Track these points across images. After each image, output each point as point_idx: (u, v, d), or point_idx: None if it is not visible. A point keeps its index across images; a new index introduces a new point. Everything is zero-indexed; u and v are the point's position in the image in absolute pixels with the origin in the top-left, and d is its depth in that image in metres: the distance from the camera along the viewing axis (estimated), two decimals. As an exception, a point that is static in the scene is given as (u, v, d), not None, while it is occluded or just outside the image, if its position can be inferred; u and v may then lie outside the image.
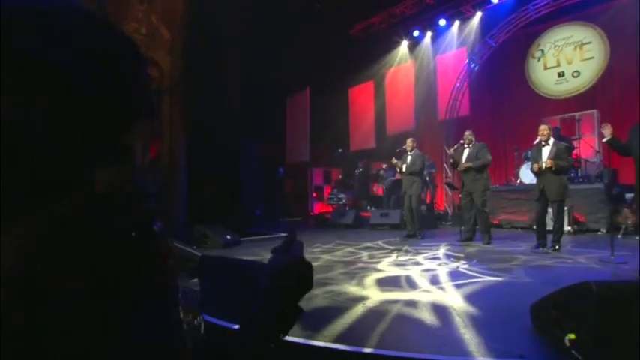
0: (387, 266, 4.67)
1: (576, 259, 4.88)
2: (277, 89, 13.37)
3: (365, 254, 5.62)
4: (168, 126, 9.76)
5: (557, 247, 5.40)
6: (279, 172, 10.70)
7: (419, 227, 7.27)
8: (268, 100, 12.97)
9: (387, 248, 6.14)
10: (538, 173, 5.51)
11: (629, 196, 7.39)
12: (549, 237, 5.49)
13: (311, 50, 12.53)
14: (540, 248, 5.47)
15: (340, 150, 8.07)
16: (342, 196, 10.43)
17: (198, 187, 9.80)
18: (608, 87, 9.26)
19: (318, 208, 13.75)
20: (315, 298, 3.27)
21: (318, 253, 5.66)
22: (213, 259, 3.32)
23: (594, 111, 9.13)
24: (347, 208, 10.94)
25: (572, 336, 1.99)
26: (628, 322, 1.92)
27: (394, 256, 5.35)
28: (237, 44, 10.95)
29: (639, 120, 5.18)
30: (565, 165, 5.39)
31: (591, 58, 9.38)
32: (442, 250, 5.79)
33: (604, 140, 4.84)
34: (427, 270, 4.45)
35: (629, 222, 7.12)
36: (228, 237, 6.39)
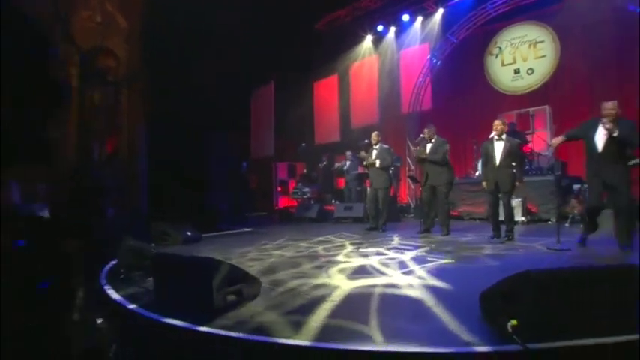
0: (349, 258, 4.72)
1: (527, 247, 5.12)
2: (242, 82, 13.16)
3: (322, 247, 5.65)
4: (126, 116, 9.41)
5: (510, 237, 5.62)
6: (243, 167, 10.57)
7: (384, 222, 7.36)
8: (233, 93, 12.76)
9: (349, 240, 6.21)
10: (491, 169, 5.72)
11: (576, 187, 7.82)
12: (503, 227, 5.72)
13: (276, 43, 12.40)
14: (495, 239, 5.69)
15: (303, 144, 8.06)
16: (306, 190, 10.44)
17: (160, 179, 9.54)
18: (559, 84, 9.71)
19: (283, 202, 13.71)
20: (282, 296, 3.24)
21: (272, 250, 5.64)
22: (166, 257, 3.24)
23: (546, 107, 9.56)
24: (312, 202, 10.98)
25: (514, 322, 2.08)
26: (563, 306, 2.03)
27: (353, 247, 5.42)
28: (201, 35, 10.68)
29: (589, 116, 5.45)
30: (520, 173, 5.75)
31: (544, 56, 9.80)
32: (402, 242, 5.91)
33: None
34: (389, 258, 4.54)
35: (575, 212, 7.53)
36: (189, 233, 6.25)
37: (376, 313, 2.69)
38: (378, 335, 2.31)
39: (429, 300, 2.94)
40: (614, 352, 1.98)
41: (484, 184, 5.86)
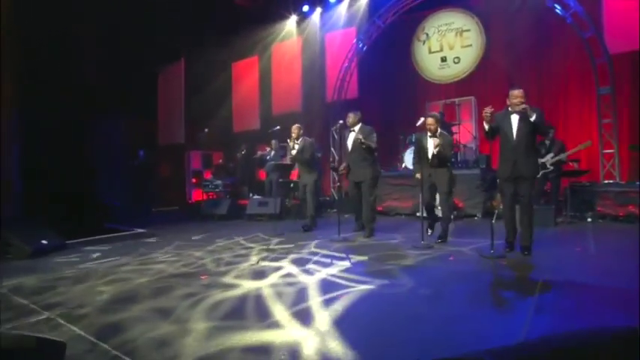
0: (239, 279, 3.67)
1: (457, 253, 4.47)
2: (147, 59, 11.38)
3: (214, 259, 4.56)
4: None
5: (444, 239, 5.20)
6: (140, 156, 9.00)
7: (312, 218, 6.60)
8: (135, 72, 10.98)
9: (258, 246, 5.18)
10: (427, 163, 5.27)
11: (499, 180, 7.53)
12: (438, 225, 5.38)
13: (190, 14, 10.85)
14: (429, 235, 5.42)
15: (206, 130, 6.85)
16: (218, 182, 9.18)
17: (35, 174, 7.70)
18: (483, 75, 9.47)
19: (196, 195, 12.26)
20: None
21: (152, 263, 4.44)
22: None
23: (472, 98, 9.26)
24: (227, 196, 9.75)
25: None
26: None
27: (256, 258, 4.38)
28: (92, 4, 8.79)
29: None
30: (448, 155, 5.34)
31: (470, 45, 9.48)
32: (317, 251, 5.00)
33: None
34: (289, 284, 3.56)
35: (500, 207, 7.21)
36: (44, 242, 4.79)
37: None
38: None
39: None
40: None
41: (417, 175, 5.37)
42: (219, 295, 3.15)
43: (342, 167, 6.12)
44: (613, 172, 7.47)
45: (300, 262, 4.17)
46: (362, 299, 2.97)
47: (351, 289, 3.18)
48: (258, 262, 4.17)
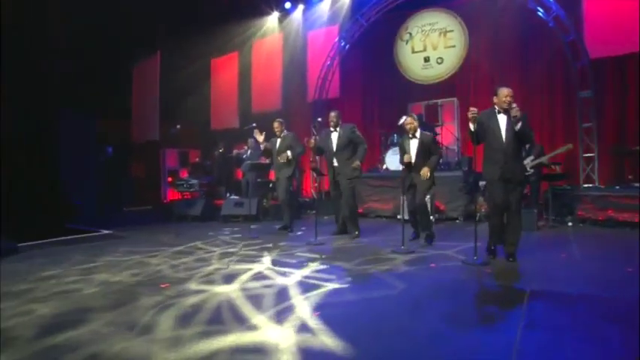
0: (205, 285, 3.38)
1: (439, 258, 4.27)
2: (121, 52, 10.87)
3: (174, 264, 4.25)
4: None
5: (429, 240, 5.13)
6: (107, 152, 8.53)
7: (288, 218, 6.35)
8: (108, 65, 10.47)
9: (222, 249, 4.88)
10: (408, 166, 5.11)
11: (482, 183, 7.41)
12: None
13: (166, 8, 10.42)
14: (416, 238, 5.34)
15: (178, 126, 6.50)
16: (193, 181, 8.80)
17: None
18: (466, 76, 9.39)
19: (172, 194, 11.82)
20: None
21: (98, 272, 4.10)
22: None
23: (454, 99, 9.16)
24: (203, 196, 9.37)
25: None
26: None
27: (225, 261, 4.09)
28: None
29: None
30: (436, 162, 5.19)
31: (454, 46, 9.37)
32: (290, 252, 4.75)
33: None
34: (258, 287, 3.29)
35: (483, 210, 7.09)
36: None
37: None
38: None
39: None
40: None
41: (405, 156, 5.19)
42: (184, 303, 2.86)
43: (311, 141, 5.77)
44: (593, 175, 7.46)
45: (271, 267, 3.89)
46: (335, 307, 2.73)
47: (327, 298, 2.94)
48: (228, 265, 3.87)
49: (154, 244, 5.39)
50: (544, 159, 6.69)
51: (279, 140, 6.36)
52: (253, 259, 4.30)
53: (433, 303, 2.88)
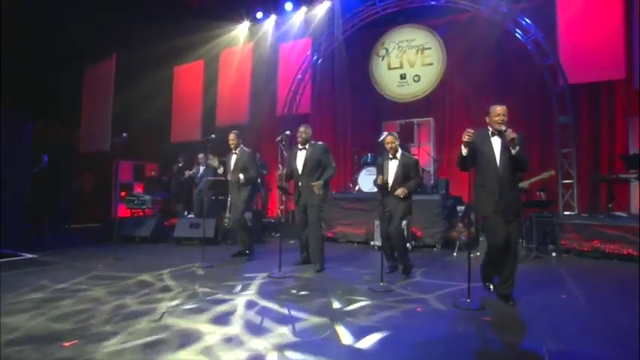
0: (123, 344, 2.56)
1: (421, 304, 3.61)
2: (71, 53, 9.85)
3: (96, 313, 3.38)
4: None
5: (407, 272, 4.61)
6: (43, 161, 7.47)
7: (247, 244, 5.67)
8: (55, 67, 9.44)
9: (160, 287, 4.05)
10: (383, 189, 4.52)
11: (460, 208, 6.93)
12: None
13: (125, 8, 9.58)
14: (393, 271, 4.71)
15: (124, 134, 5.64)
16: (146, 197, 7.87)
17: None
18: (441, 96, 9.05)
19: (123, 211, 10.72)
20: None
21: None
22: None
23: (431, 119, 8.76)
24: (159, 213, 8.42)
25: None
26: None
27: (159, 311, 3.23)
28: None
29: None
30: (414, 187, 4.64)
31: (431, 64, 9.03)
32: (248, 292, 3.97)
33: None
34: None
35: (462, 236, 6.57)
36: None
37: None
38: None
39: None
40: None
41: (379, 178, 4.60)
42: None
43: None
44: (572, 202, 7.14)
45: (220, 320, 3.08)
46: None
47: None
48: (160, 319, 3.01)
49: (85, 271, 4.47)
50: (525, 185, 6.28)
51: (234, 157, 5.65)
52: (199, 304, 3.49)
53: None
